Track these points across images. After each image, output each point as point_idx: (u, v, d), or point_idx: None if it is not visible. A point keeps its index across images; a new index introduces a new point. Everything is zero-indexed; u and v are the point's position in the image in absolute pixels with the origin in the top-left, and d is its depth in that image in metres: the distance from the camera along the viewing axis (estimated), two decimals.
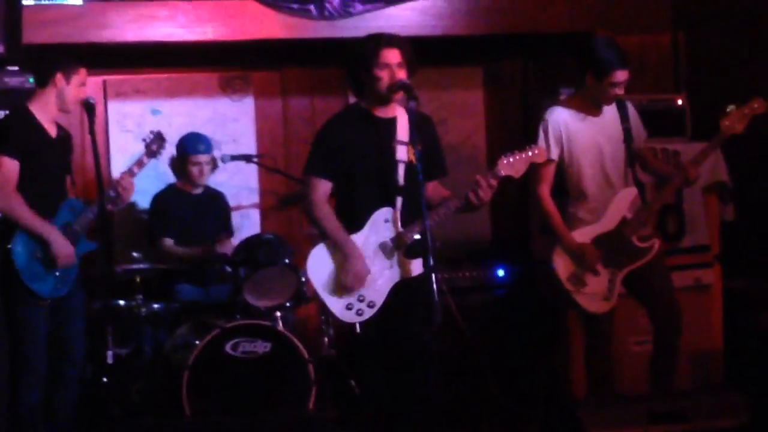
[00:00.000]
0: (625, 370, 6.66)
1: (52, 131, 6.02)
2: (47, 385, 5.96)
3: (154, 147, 6.37)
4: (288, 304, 6.87)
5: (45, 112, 5.98)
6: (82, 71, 6.01)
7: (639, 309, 6.45)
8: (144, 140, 6.41)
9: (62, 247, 5.86)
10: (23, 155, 5.85)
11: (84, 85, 6.03)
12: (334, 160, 5.51)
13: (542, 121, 6.23)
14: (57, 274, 5.88)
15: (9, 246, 5.80)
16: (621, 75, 6.05)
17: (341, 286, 5.44)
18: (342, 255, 5.46)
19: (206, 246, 7.15)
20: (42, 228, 5.84)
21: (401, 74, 5.42)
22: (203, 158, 7.38)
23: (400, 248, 5.46)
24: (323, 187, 5.55)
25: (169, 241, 7.27)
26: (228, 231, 7.44)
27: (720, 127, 6.05)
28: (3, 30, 6.48)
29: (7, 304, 5.88)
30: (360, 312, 5.47)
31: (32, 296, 5.83)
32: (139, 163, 6.23)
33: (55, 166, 6.02)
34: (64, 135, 6.14)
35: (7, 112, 6.24)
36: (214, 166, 7.54)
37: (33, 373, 5.88)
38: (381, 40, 5.50)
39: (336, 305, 5.48)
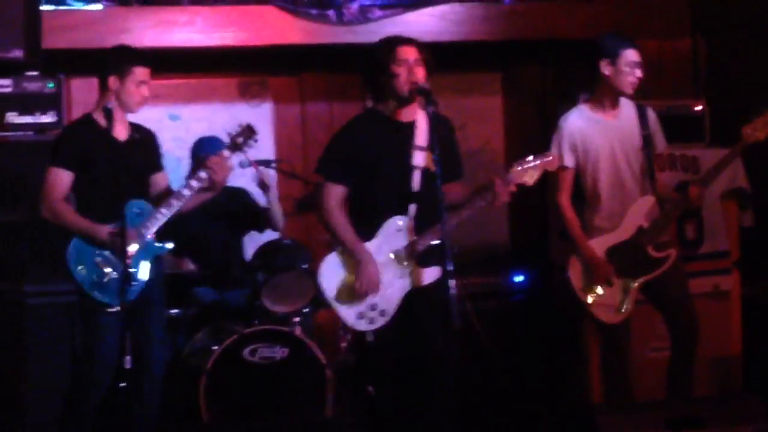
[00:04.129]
0: (643, 376, 6.63)
1: (121, 135, 5.90)
2: (130, 392, 5.98)
3: (239, 140, 5.99)
4: (306, 310, 6.88)
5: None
6: (137, 70, 5.86)
7: (656, 315, 6.42)
8: (229, 133, 6.04)
9: (106, 234, 5.73)
10: (79, 165, 5.82)
11: (144, 83, 5.87)
12: (349, 164, 5.50)
13: (556, 129, 6.22)
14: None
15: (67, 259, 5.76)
16: (632, 54, 6.06)
17: (356, 292, 5.44)
18: (354, 261, 5.46)
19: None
20: (88, 227, 5.76)
21: (419, 71, 5.40)
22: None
23: (412, 257, 5.45)
24: (336, 192, 5.53)
25: (187, 262, 7.28)
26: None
27: (741, 134, 6.02)
28: (22, 35, 6.50)
29: (80, 311, 5.90)
30: (372, 321, 5.47)
31: (99, 305, 5.78)
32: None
33: (121, 171, 5.80)
34: (139, 136, 5.97)
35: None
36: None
37: (93, 378, 5.87)
38: (397, 38, 5.52)
39: (348, 314, 5.48)
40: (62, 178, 5.82)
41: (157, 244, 5.92)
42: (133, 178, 5.91)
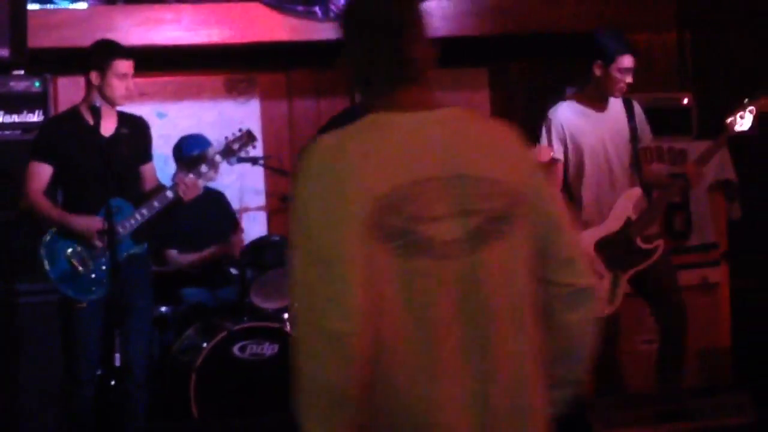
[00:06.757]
0: (633, 369, 6.64)
1: (107, 130, 5.86)
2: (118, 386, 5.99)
3: (235, 146, 6.03)
4: None
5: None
6: (118, 63, 5.81)
7: (646, 308, 6.43)
8: (226, 137, 6.06)
9: (81, 222, 5.72)
10: (58, 159, 5.83)
11: (126, 76, 5.82)
12: None
13: (545, 120, 6.22)
14: (93, 276, 5.79)
15: (39, 254, 5.78)
16: (627, 61, 6.03)
17: None
18: None
19: (216, 247, 7.14)
20: (60, 216, 5.78)
21: None
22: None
23: None
24: None
25: (173, 252, 7.24)
26: (235, 228, 7.43)
27: (725, 125, 6.04)
28: (8, 34, 6.48)
29: (58, 307, 5.92)
30: None
31: (69, 300, 5.82)
32: (213, 164, 5.96)
33: (105, 168, 5.74)
34: (128, 131, 5.88)
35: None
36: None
37: (75, 372, 5.91)
38: None
39: None
40: (40, 171, 5.83)
41: (131, 244, 5.90)
42: (119, 175, 5.79)
